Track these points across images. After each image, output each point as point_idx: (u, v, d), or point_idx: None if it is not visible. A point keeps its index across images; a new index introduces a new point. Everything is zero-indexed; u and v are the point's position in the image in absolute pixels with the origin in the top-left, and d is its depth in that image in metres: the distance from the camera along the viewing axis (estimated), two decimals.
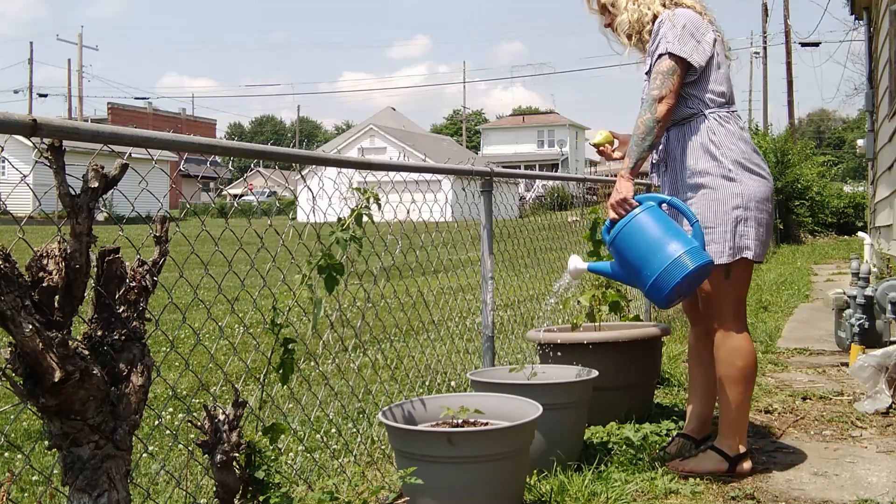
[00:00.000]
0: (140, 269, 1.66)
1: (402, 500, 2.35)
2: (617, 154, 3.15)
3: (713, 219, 2.76)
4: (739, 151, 2.78)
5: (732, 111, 2.88)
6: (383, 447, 3.15)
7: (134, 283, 1.64)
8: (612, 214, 2.78)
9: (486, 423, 2.58)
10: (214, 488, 1.94)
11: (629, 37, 2.95)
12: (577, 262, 2.96)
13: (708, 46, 2.80)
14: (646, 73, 2.89)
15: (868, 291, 4.80)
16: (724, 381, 2.86)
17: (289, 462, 2.96)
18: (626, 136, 3.12)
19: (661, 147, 2.95)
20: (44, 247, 1.49)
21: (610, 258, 2.88)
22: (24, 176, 1.94)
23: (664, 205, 2.79)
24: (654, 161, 3.00)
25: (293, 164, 2.73)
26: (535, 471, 2.79)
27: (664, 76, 2.75)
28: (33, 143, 1.57)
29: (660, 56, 2.77)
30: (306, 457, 3.06)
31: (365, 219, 2.37)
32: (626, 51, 2.98)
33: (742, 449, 2.86)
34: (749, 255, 2.78)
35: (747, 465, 2.87)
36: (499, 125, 63.62)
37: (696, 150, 2.81)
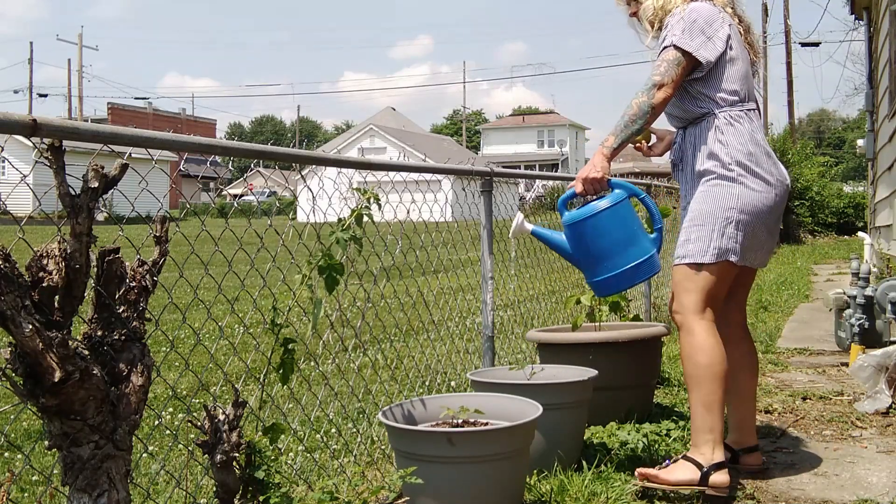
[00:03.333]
0: (140, 269, 1.66)
1: (402, 500, 2.35)
2: (656, 150, 3.06)
3: (704, 217, 2.66)
4: (746, 153, 2.66)
5: (748, 109, 2.73)
6: (383, 447, 3.15)
7: (134, 283, 1.64)
8: (580, 188, 2.71)
9: (486, 424, 2.58)
10: (214, 488, 1.94)
11: (652, 24, 2.85)
12: (522, 221, 2.96)
13: (720, 43, 2.68)
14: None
15: (868, 291, 4.80)
16: (688, 380, 2.66)
17: (289, 462, 2.96)
18: (663, 130, 3.05)
19: (676, 146, 2.89)
20: (44, 247, 1.49)
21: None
22: (24, 176, 1.94)
23: (633, 197, 2.78)
24: (672, 160, 2.93)
25: (293, 164, 2.73)
26: (535, 471, 2.79)
27: (669, 64, 2.65)
28: (33, 143, 1.57)
29: (665, 48, 2.69)
30: (306, 457, 3.06)
31: (365, 219, 2.37)
32: (648, 39, 2.86)
33: (718, 458, 2.60)
34: (735, 258, 2.65)
35: (722, 476, 2.58)
36: (499, 125, 63.60)
37: (704, 151, 2.72)
